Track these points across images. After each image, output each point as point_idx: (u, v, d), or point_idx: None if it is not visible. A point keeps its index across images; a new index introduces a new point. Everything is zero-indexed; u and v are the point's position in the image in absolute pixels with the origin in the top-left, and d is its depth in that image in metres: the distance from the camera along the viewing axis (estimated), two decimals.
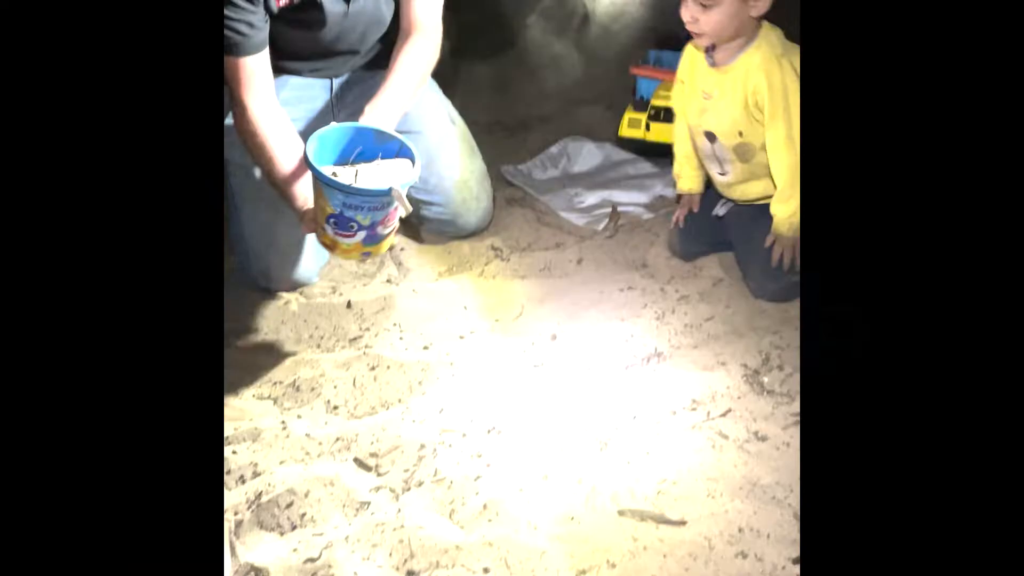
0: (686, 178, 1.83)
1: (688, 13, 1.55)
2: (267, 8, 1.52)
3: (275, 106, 1.57)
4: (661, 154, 2.10)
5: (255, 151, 1.55)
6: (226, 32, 1.47)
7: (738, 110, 1.61)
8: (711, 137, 1.68)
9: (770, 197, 1.68)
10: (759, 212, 1.70)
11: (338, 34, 1.65)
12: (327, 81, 1.79)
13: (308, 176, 1.46)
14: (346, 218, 1.31)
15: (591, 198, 2.10)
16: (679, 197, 1.88)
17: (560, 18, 2.88)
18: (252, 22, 1.49)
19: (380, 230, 1.35)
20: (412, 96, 1.61)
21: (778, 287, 1.64)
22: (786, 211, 1.60)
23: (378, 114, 1.48)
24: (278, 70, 1.68)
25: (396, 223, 1.39)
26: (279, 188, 1.52)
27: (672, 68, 1.85)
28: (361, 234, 1.33)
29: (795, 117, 1.55)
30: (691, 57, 1.72)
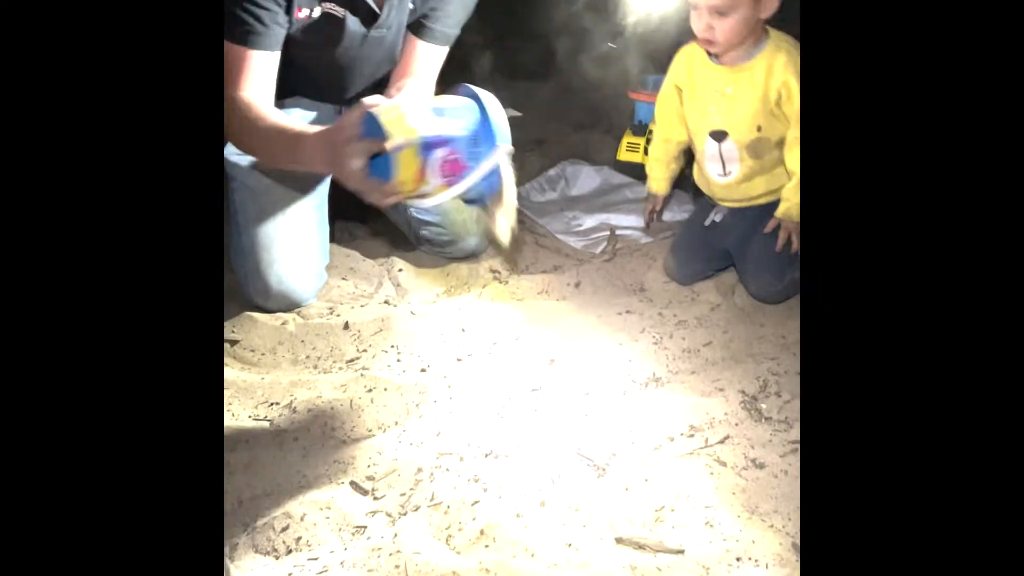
0: (655, 179, 1.92)
1: (702, 23, 1.56)
2: (287, 14, 1.49)
3: (272, 103, 1.51)
4: None
5: (254, 128, 1.41)
6: (244, 16, 1.40)
7: (757, 105, 1.63)
8: (719, 136, 1.69)
9: (771, 194, 1.70)
10: (757, 217, 1.71)
11: (353, 59, 1.65)
12: (338, 106, 1.80)
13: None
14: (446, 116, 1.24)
15: (589, 221, 2.11)
16: (647, 197, 1.98)
17: (571, 44, 2.91)
18: (275, 16, 1.45)
19: (435, 154, 1.23)
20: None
21: (778, 286, 1.65)
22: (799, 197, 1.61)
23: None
24: (291, 92, 1.68)
25: (429, 184, 1.27)
26: (292, 144, 1.36)
27: None
28: (440, 126, 1.23)
29: None
30: (688, 61, 1.73)
